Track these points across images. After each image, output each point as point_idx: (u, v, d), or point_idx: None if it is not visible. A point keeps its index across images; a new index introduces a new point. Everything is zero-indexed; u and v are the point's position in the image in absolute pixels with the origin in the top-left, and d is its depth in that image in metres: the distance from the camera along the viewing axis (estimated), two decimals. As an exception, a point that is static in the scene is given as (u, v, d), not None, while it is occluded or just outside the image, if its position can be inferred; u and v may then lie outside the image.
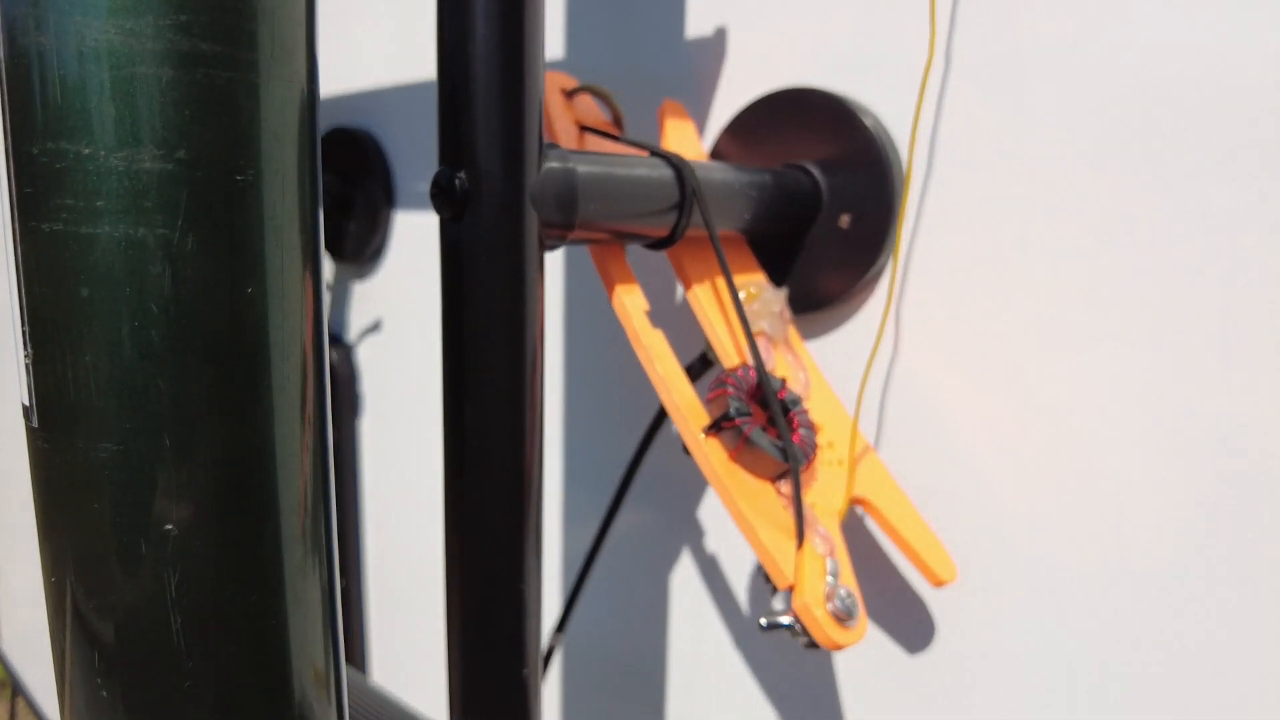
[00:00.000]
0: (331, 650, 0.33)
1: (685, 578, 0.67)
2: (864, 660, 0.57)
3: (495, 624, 0.40)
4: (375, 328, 0.86)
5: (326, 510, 0.32)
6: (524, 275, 0.38)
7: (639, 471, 0.58)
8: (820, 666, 0.59)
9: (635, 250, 0.56)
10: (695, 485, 0.65)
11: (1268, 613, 0.42)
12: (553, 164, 0.39)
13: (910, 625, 0.55)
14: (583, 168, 0.41)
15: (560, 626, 0.63)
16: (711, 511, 0.64)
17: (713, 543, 0.65)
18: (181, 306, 0.25)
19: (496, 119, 0.37)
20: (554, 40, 0.69)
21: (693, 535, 0.66)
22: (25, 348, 0.26)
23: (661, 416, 0.56)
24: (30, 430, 0.26)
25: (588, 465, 0.73)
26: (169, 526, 0.26)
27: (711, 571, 0.65)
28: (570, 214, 0.40)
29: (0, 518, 2.04)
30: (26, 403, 0.26)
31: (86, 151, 0.24)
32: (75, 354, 0.25)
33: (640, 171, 0.44)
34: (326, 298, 0.92)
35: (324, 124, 0.87)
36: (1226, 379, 0.43)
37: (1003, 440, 0.50)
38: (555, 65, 0.69)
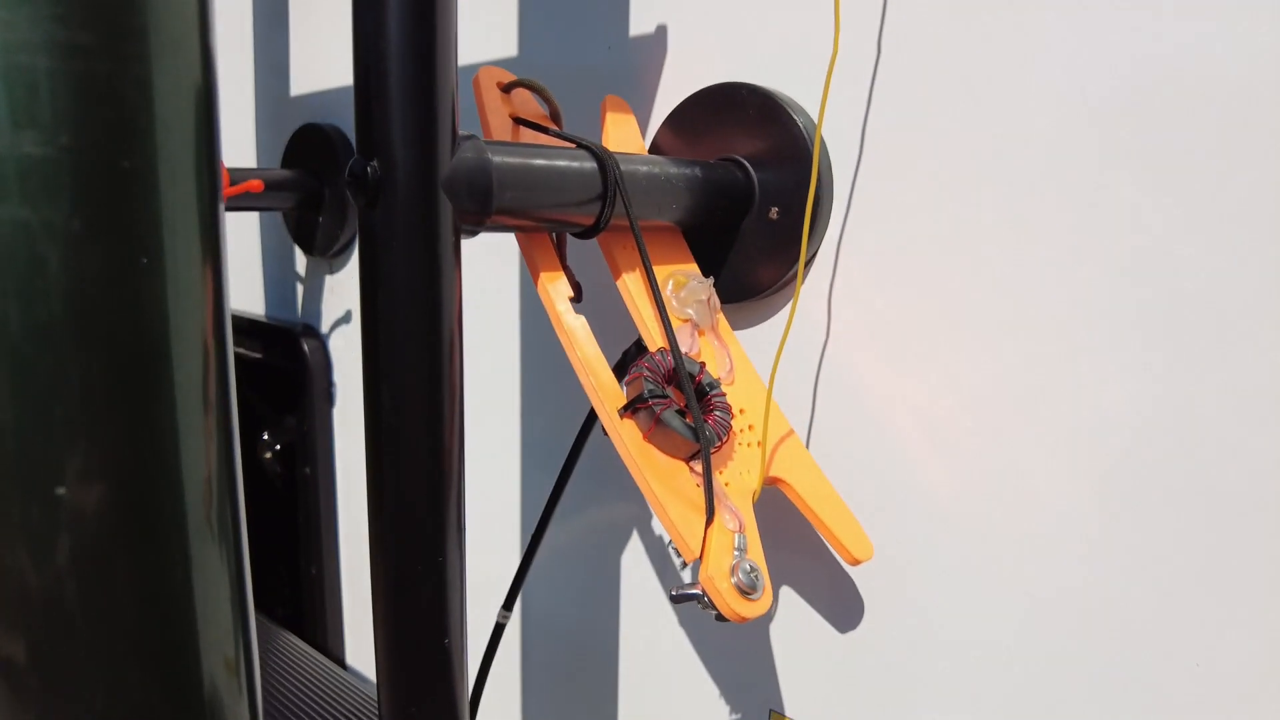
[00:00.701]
0: (242, 638, 0.35)
1: (635, 559, 0.68)
2: (798, 635, 0.59)
3: (415, 596, 0.42)
4: (346, 319, 0.88)
5: (234, 502, 0.34)
6: (438, 260, 0.40)
7: (594, 457, 0.60)
8: (755, 643, 0.61)
9: (578, 242, 0.58)
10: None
11: (1173, 572, 0.44)
12: (467, 154, 0.41)
13: (841, 601, 0.56)
14: (498, 158, 0.42)
15: (507, 604, 0.64)
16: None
17: (659, 525, 0.67)
18: (69, 286, 0.27)
19: (407, 110, 0.39)
20: (506, 39, 0.71)
21: (643, 518, 0.68)
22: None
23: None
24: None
25: (549, 450, 0.75)
26: (60, 490, 0.28)
27: (659, 553, 0.67)
28: (485, 202, 0.42)
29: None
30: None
31: (-32, 136, 0.26)
32: (-36, 329, 0.27)
33: (561, 163, 0.46)
34: (299, 289, 0.94)
35: (295, 121, 0.89)
36: (1135, 360, 0.44)
37: (926, 423, 0.51)
38: (507, 63, 0.71)
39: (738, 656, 0.63)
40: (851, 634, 0.56)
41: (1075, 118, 0.45)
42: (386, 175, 0.39)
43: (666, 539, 0.44)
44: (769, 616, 0.60)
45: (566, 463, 0.59)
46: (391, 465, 0.41)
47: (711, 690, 0.65)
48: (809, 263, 0.55)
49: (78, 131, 0.27)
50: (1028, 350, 0.47)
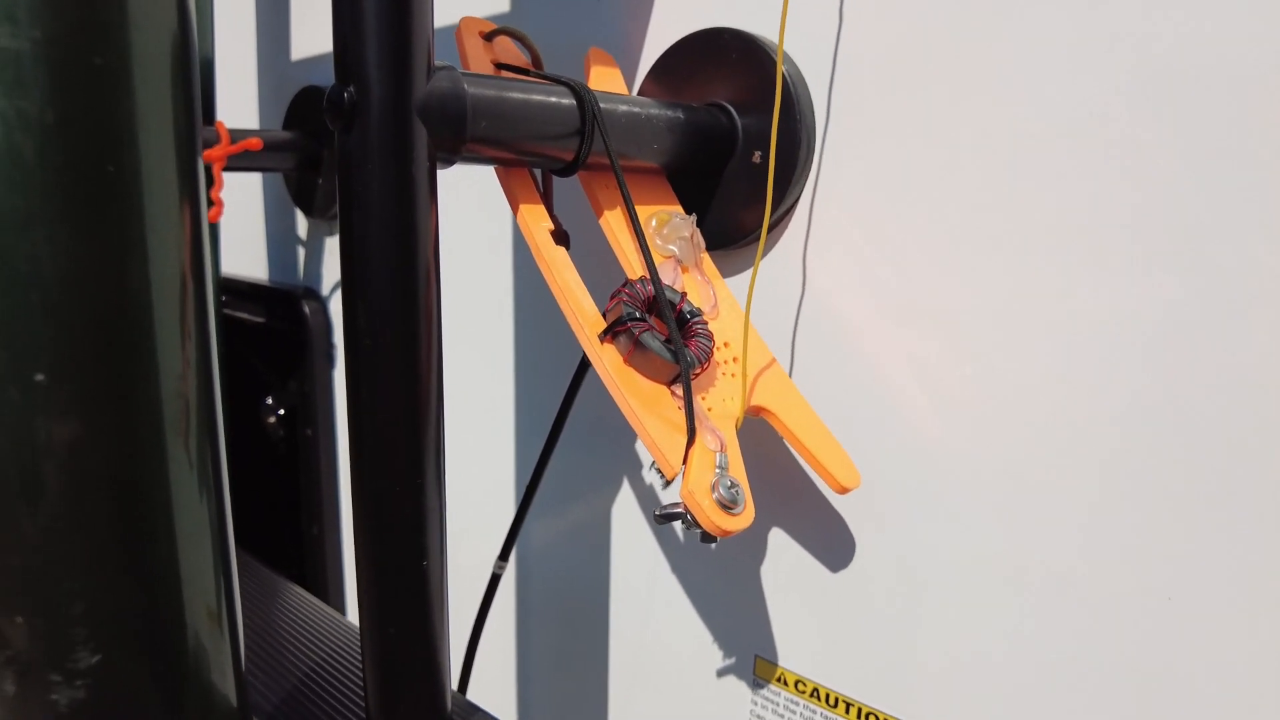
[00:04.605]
0: (223, 570, 0.36)
1: (625, 509, 0.69)
2: (787, 580, 0.59)
3: (393, 517, 0.43)
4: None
5: (213, 435, 0.35)
6: (413, 184, 0.41)
7: (586, 409, 0.61)
8: (746, 585, 0.62)
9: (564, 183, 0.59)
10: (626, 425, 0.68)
11: (1164, 520, 0.44)
12: (442, 82, 0.42)
13: (832, 547, 0.57)
14: (473, 88, 0.43)
15: (503, 555, 0.65)
16: (642, 448, 0.67)
17: (652, 475, 0.67)
18: (45, 174, 0.28)
19: (383, 37, 0.39)
20: (496, -6, 0.72)
21: (634, 470, 0.69)
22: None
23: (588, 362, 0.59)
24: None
25: (541, 404, 0.76)
26: (39, 377, 0.29)
27: (649, 502, 0.68)
28: (459, 129, 0.43)
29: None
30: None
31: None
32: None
33: (538, 96, 0.47)
34: (300, 252, 0.95)
35: (295, 85, 0.90)
36: (1136, 289, 0.44)
37: (917, 369, 0.52)
38: (497, 19, 0.72)
39: (726, 603, 0.64)
40: (838, 576, 0.57)
41: (1061, 52, 0.45)
42: (362, 99, 0.40)
43: (649, 461, 0.45)
44: (757, 561, 0.61)
45: (559, 415, 0.60)
46: (369, 385, 0.42)
47: (703, 636, 0.66)
48: (791, 208, 0.56)
49: (50, 26, 0.28)
50: (1015, 290, 0.48)
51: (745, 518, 0.44)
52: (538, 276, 0.68)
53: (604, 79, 0.59)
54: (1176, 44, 0.42)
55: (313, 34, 0.91)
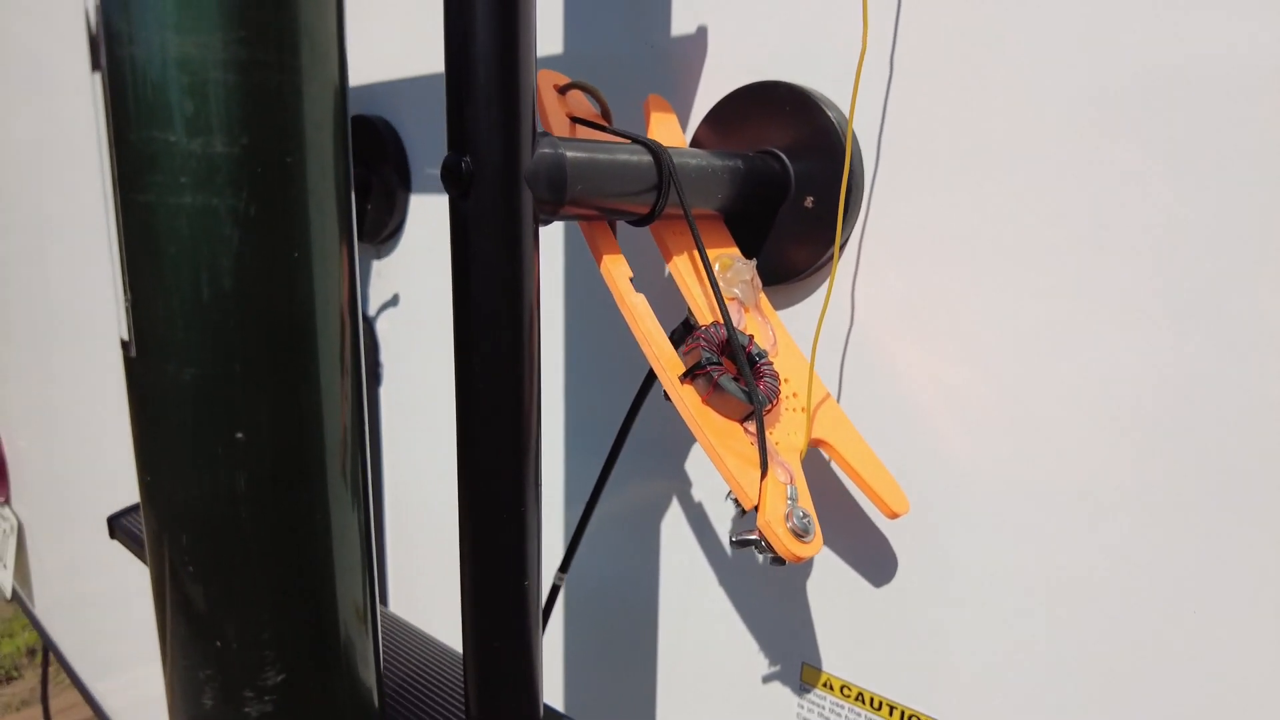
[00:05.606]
0: (367, 580, 0.40)
1: (674, 524, 0.74)
2: (831, 592, 0.64)
3: (499, 541, 0.47)
4: (393, 302, 0.94)
5: (362, 456, 0.39)
6: (521, 244, 0.45)
7: (637, 430, 0.65)
8: (790, 602, 0.66)
9: (625, 229, 0.63)
10: (683, 444, 0.72)
11: (1182, 539, 0.49)
12: (545, 149, 0.46)
13: (873, 561, 0.61)
14: (571, 153, 0.47)
15: (563, 566, 0.70)
16: (696, 465, 0.71)
17: (699, 493, 0.72)
18: (246, 261, 0.32)
19: (495, 111, 0.44)
20: (552, 40, 0.76)
21: (682, 487, 0.73)
22: (125, 294, 0.33)
23: (650, 380, 0.63)
24: (129, 360, 0.34)
25: (593, 424, 0.80)
26: (239, 435, 0.33)
27: (696, 516, 0.72)
28: (560, 193, 0.47)
29: (38, 503, 2.13)
30: (125, 337, 0.33)
31: (171, 139, 0.31)
32: (165, 298, 0.32)
33: (623, 156, 0.51)
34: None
35: (345, 117, 0.94)
36: (1150, 339, 0.49)
37: (954, 398, 0.57)
38: (553, 63, 0.76)
39: (772, 612, 0.69)
40: (881, 590, 0.61)
41: (1088, 107, 0.50)
42: (478, 169, 0.44)
43: (726, 491, 0.49)
44: (803, 576, 0.66)
45: (619, 434, 0.64)
46: (481, 425, 0.46)
47: (749, 645, 0.70)
48: (841, 247, 0.61)
49: (255, 133, 0.32)
50: (1041, 323, 0.52)
51: (816, 545, 0.48)
52: (586, 303, 0.73)
53: (662, 124, 0.64)
54: (1222, 121, 0.46)
55: (361, 64, 0.95)
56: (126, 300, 0.33)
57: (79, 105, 1.58)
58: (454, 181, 0.44)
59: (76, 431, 1.86)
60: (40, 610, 2.22)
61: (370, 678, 0.40)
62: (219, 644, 0.34)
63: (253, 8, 0.31)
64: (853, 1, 0.58)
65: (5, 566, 2.19)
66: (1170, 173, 0.47)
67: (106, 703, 1.96)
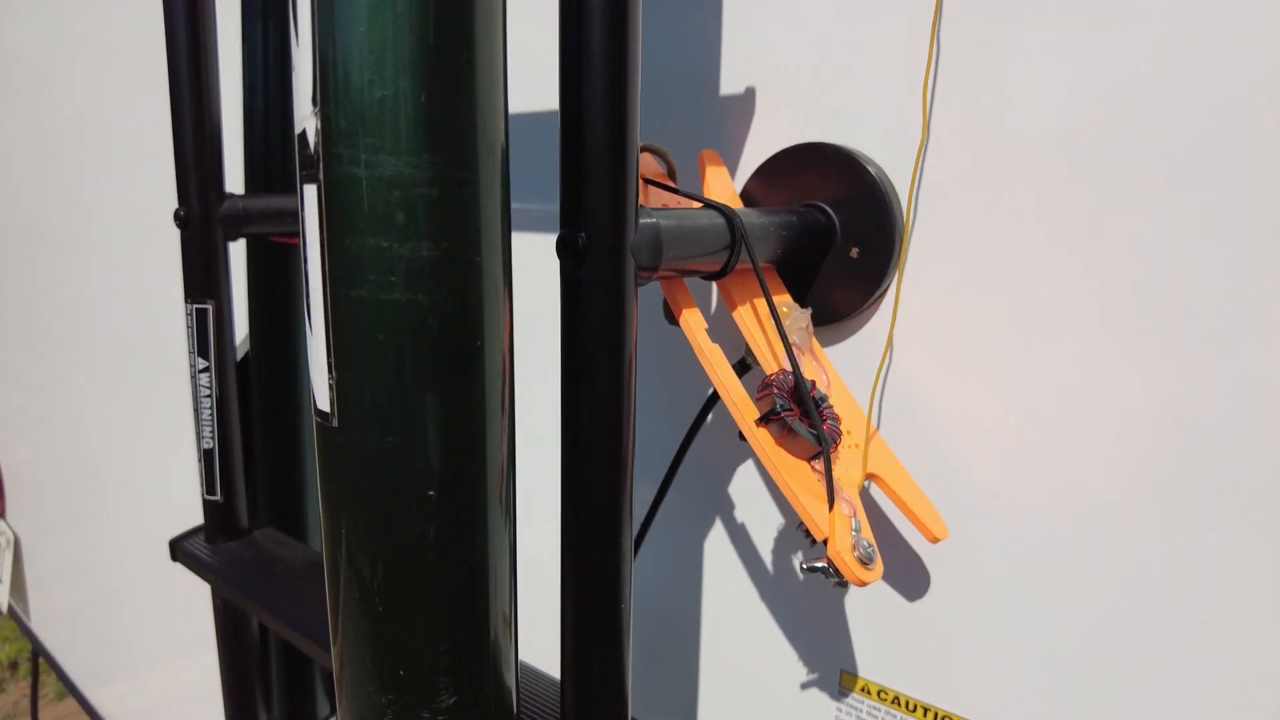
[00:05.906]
0: (511, 597, 0.45)
1: (716, 541, 0.80)
2: (870, 609, 0.71)
3: (600, 569, 0.53)
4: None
5: (514, 486, 0.45)
6: (624, 307, 0.51)
7: (685, 460, 0.71)
8: (829, 614, 0.72)
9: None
10: (726, 468, 0.78)
11: (1208, 563, 0.56)
12: (645, 222, 0.52)
13: (910, 581, 0.68)
14: (664, 222, 0.53)
15: (618, 584, 0.76)
16: (738, 489, 0.78)
17: (741, 515, 0.78)
18: (443, 347, 0.38)
19: (608, 191, 0.49)
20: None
21: (725, 507, 0.79)
22: (331, 373, 0.38)
23: (703, 416, 0.69)
24: (329, 429, 0.39)
25: (644, 455, 0.86)
26: (431, 493, 0.38)
27: (738, 534, 0.78)
28: (657, 259, 0.53)
29: (33, 508, 2.14)
30: (326, 409, 0.38)
31: (384, 244, 0.36)
32: (371, 376, 0.37)
33: (703, 222, 0.57)
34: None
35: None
36: (1173, 372, 0.56)
37: (982, 429, 0.63)
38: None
39: (812, 623, 0.75)
40: (914, 605, 0.68)
41: (1119, 166, 0.56)
42: (591, 243, 0.49)
43: (796, 522, 0.55)
44: (842, 588, 0.72)
45: (674, 460, 0.70)
46: (587, 467, 0.52)
47: (788, 653, 0.76)
48: (882, 294, 0.67)
49: (452, 237, 0.37)
50: (1075, 365, 0.59)
51: (878, 571, 0.54)
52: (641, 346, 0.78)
53: (716, 177, 0.69)
54: (1261, 182, 0.53)
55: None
56: (331, 378, 0.38)
57: (78, 109, 1.61)
58: (570, 254, 0.50)
59: (75, 444, 1.88)
60: (36, 622, 2.23)
61: (511, 683, 0.46)
62: (402, 673, 0.39)
63: (454, 134, 0.36)
64: (884, 63, 0.64)
65: (1, 581, 2.19)
66: (1201, 231, 0.54)
67: (105, 710, 1.98)
